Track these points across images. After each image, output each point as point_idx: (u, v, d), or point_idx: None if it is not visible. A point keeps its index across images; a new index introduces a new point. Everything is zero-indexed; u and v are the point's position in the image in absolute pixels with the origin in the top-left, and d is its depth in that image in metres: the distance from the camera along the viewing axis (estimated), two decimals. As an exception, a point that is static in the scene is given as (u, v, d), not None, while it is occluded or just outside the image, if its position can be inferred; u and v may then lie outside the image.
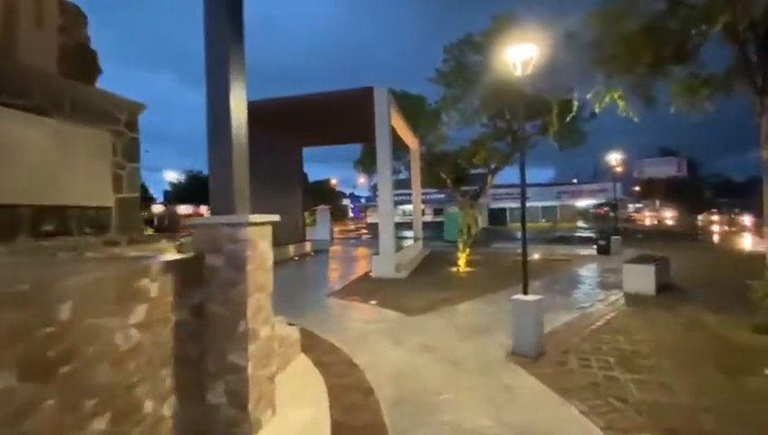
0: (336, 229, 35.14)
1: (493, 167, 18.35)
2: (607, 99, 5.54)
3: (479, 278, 9.74)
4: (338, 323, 6.16)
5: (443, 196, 32.44)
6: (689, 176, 45.27)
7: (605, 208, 40.40)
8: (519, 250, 4.53)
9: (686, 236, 22.16)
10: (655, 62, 5.16)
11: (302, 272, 12.67)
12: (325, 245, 20.08)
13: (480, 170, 20.18)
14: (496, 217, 38.61)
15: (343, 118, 12.67)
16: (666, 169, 44.28)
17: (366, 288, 8.79)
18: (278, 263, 14.00)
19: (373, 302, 7.34)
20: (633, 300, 7.02)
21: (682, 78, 5.10)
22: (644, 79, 5.34)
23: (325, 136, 15.88)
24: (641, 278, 7.52)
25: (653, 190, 47.83)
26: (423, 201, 38.31)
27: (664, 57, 5.08)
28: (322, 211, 24.43)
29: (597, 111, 5.71)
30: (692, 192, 46.54)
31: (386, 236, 10.08)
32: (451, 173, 18.66)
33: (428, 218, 38.13)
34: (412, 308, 6.80)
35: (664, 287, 7.62)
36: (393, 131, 12.84)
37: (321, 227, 24.33)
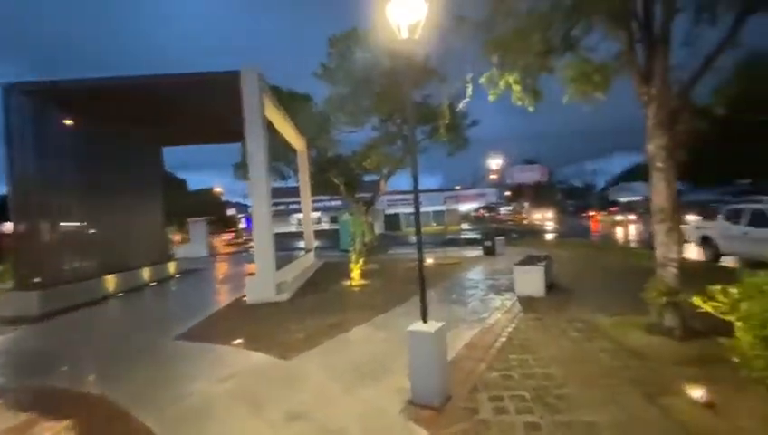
0: (221, 244, 31.24)
1: (386, 172, 17.94)
2: (501, 84, 5.00)
3: (374, 292, 8.69)
4: (174, 385, 4.31)
5: (340, 202, 31.33)
6: (548, 181, 53.03)
7: (483, 211, 44.36)
8: (415, 255, 3.67)
9: (562, 234, 25.05)
10: (545, 48, 4.74)
11: (154, 302, 10.00)
12: (200, 263, 17.05)
13: (374, 176, 19.70)
14: (392, 222, 39.08)
15: (209, 110, 10.48)
16: (532, 175, 50.81)
17: (232, 321, 6.96)
18: (124, 292, 11.00)
19: (237, 341, 5.60)
20: (527, 304, 6.71)
21: (575, 63, 4.81)
22: (533, 68, 4.91)
23: (190, 133, 13.22)
24: (531, 280, 7.36)
25: (522, 194, 54.51)
26: (318, 208, 36.68)
27: (553, 43, 4.70)
28: (196, 225, 20.99)
29: (492, 98, 5.12)
30: (550, 195, 54.57)
31: (263, 251, 8.32)
32: (343, 178, 17.59)
33: (325, 226, 36.66)
34: (288, 345, 5.30)
35: (550, 287, 7.60)
36: (272, 128, 11.12)
37: (195, 243, 20.89)
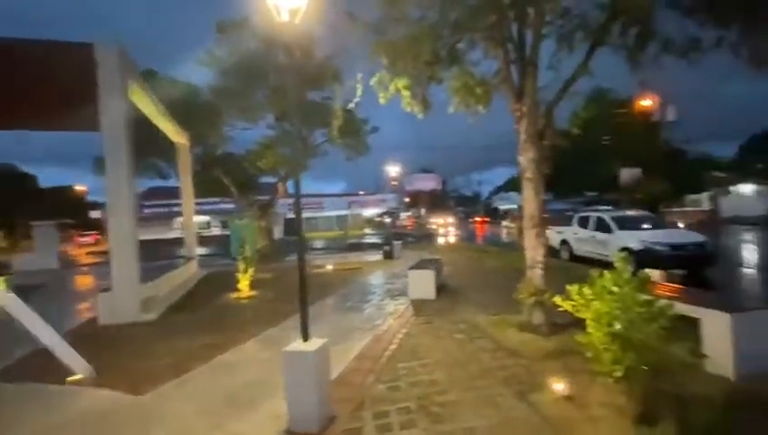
0: (81, 252, 26.22)
1: (283, 174, 17.04)
2: (392, 88, 4.97)
3: (263, 305, 7.99)
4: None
5: (234, 206, 28.95)
6: (442, 189, 57.34)
7: (385, 216, 45.76)
8: (315, 262, 3.34)
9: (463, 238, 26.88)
10: (433, 59, 4.84)
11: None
12: (46, 277, 13.87)
13: (272, 178, 18.55)
14: (293, 227, 37.64)
15: (54, 88, 8.49)
16: (428, 183, 54.23)
17: (76, 348, 5.60)
18: None
19: (77, 376, 4.47)
20: (419, 308, 6.85)
21: (459, 75, 5.02)
22: (423, 77, 5.01)
23: (28, 114, 10.59)
24: (423, 283, 7.57)
25: (419, 201, 57.83)
26: (208, 212, 33.27)
27: (441, 54, 4.84)
28: (42, 230, 17.13)
29: (382, 102, 5.06)
30: (444, 202, 59.05)
31: (123, 260, 6.96)
32: (234, 179, 16.16)
33: (216, 232, 33.47)
34: (148, 376, 4.41)
35: (440, 289, 7.93)
36: (144, 118, 9.56)
37: (41, 252, 17.03)
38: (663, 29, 4.51)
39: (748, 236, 19.30)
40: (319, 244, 27.43)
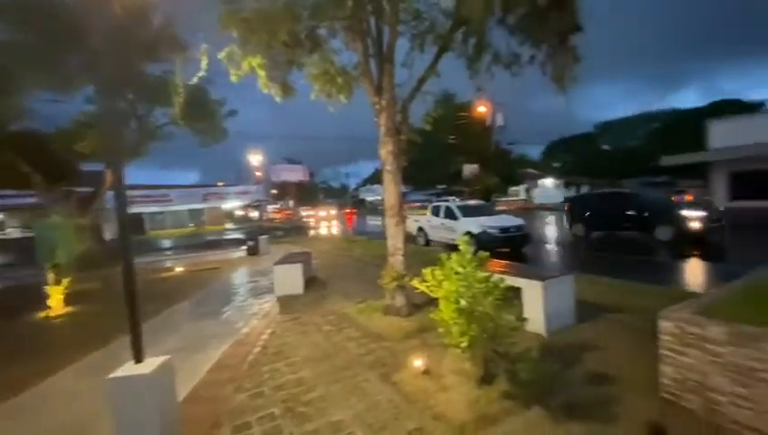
0: None
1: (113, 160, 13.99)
2: (245, 65, 4.49)
3: (84, 323, 6.45)
4: None
5: (37, 200, 22.74)
6: (311, 181, 56.68)
7: (250, 209, 42.74)
8: (162, 264, 2.69)
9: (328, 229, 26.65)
10: (292, 41, 4.57)
11: None
12: None
13: (100, 166, 15.01)
14: (131, 225, 31.66)
15: None
16: (295, 174, 52.79)
17: None
18: None
19: None
20: (286, 304, 6.55)
21: (319, 61, 4.87)
22: (281, 59, 4.69)
23: None
24: (290, 278, 7.29)
25: (287, 192, 55.92)
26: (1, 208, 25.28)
27: (300, 39, 4.61)
28: None
29: (234, 79, 4.54)
30: (313, 194, 58.55)
31: None
32: (40, 165, 12.55)
33: (16, 234, 25.72)
34: None
35: (309, 282, 7.78)
36: None
37: None
38: (495, 43, 5.28)
39: (551, 218, 24.79)
40: (168, 243, 23.85)
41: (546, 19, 4.25)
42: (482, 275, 3.20)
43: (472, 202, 14.63)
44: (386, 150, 5.12)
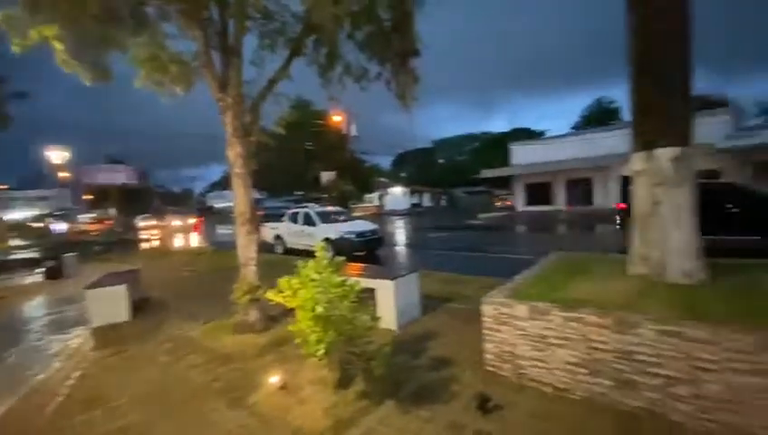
0: None
1: None
2: (33, 35, 3.44)
3: None
4: None
5: None
6: (143, 184, 47.99)
7: (49, 220, 33.42)
8: None
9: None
10: (104, 15, 3.75)
11: None
12: None
13: None
14: None
15: None
16: (117, 176, 44.04)
17: None
18: None
19: None
20: (104, 337, 5.32)
21: (146, 44, 4.11)
22: (92, 34, 3.78)
23: None
24: (110, 304, 5.95)
25: (108, 198, 46.05)
26: None
27: (120, 13, 3.81)
28: None
29: (16, 50, 3.43)
30: (146, 200, 49.68)
31: None
32: None
33: None
34: None
35: (141, 306, 6.52)
36: None
37: None
38: (347, 55, 5.48)
39: (400, 223, 27.22)
40: None
41: (390, 40, 4.64)
42: (338, 279, 3.23)
43: (330, 208, 14.87)
44: (234, 152, 4.71)
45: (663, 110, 3.26)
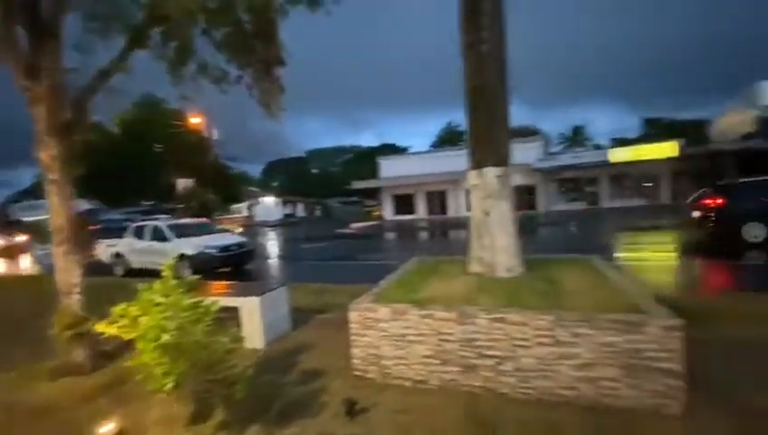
0: None
1: None
2: None
3: None
4: None
5: None
6: None
7: None
8: None
9: None
10: None
11: None
12: None
13: None
14: None
15: None
16: None
17: None
18: None
19: None
20: None
21: None
22: None
23: None
24: None
25: None
26: None
27: None
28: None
29: None
30: None
31: None
32: None
33: None
34: None
35: None
36: None
37: None
38: (204, 54, 5.02)
39: (272, 235, 26.02)
40: None
41: (251, 45, 4.46)
42: (189, 301, 2.90)
43: (187, 221, 13.24)
44: (48, 155, 3.78)
45: (490, 138, 3.97)
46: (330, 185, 56.08)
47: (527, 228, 18.25)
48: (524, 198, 26.30)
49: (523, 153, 24.80)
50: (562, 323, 2.92)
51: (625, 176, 24.72)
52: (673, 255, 9.91)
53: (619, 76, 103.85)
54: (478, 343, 3.13)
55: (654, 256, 9.75)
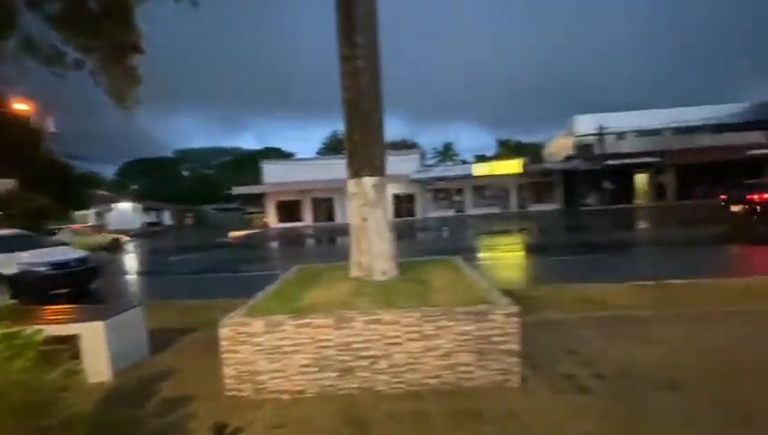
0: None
1: None
2: None
3: None
4: None
5: None
6: None
7: None
8: None
9: None
10: None
11: None
12: None
13: None
14: None
15: None
16: None
17: None
18: None
19: None
20: None
21: None
22: None
23: None
24: None
25: None
26: None
27: None
28: None
29: None
30: None
31: None
32: None
33: None
34: None
35: None
36: None
37: None
38: (29, 28, 4.08)
39: (130, 246, 22.30)
40: None
41: (100, 26, 3.82)
42: (1, 332, 2.31)
43: (3, 232, 10.43)
44: None
45: (365, 149, 4.19)
46: (204, 190, 50.88)
47: (407, 233, 19.65)
48: (405, 205, 28.30)
49: (404, 165, 26.73)
50: (428, 318, 3.24)
51: (484, 187, 28.68)
52: (521, 253, 11.91)
53: (481, 100, 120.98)
54: (355, 346, 3.25)
55: (505, 255, 11.56)
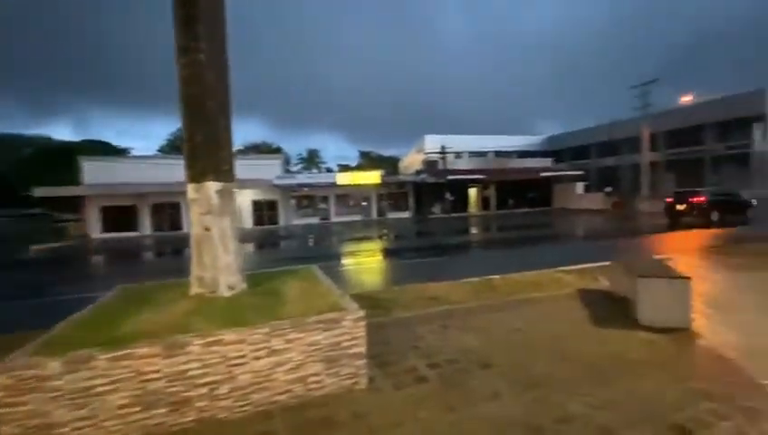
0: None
1: None
2: None
3: None
4: None
5: None
6: None
7: None
8: None
9: None
10: None
11: None
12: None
13: None
14: None
15: None
16: None
17: None
18: None
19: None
20: None
21: None
22: None
23: None
24: None
25: None
26: None
27: None
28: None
29: None
30: None
31: None
32: None
33: None
34: None
35: None
36: None
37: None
38: None
39: None
40: None
41: None
42: None
43: None
44: None
45: (209, 150, 3.81)
46: (-11, 190, 38.45)
47: (269, 242, 18.69)
48: (267, 213, 26.92)
49: (265, 169, 25.45)
50: (277, 332, 3.11)
51: (347, 196, 29.63)
52: (379, 258, 12.65)
53: (346, 112, 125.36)
54: (191, 373, 2.88)
55: (365, 260, 12.12)
